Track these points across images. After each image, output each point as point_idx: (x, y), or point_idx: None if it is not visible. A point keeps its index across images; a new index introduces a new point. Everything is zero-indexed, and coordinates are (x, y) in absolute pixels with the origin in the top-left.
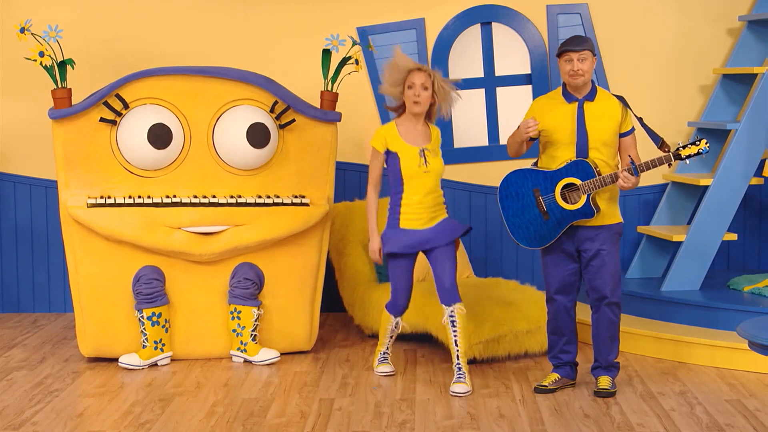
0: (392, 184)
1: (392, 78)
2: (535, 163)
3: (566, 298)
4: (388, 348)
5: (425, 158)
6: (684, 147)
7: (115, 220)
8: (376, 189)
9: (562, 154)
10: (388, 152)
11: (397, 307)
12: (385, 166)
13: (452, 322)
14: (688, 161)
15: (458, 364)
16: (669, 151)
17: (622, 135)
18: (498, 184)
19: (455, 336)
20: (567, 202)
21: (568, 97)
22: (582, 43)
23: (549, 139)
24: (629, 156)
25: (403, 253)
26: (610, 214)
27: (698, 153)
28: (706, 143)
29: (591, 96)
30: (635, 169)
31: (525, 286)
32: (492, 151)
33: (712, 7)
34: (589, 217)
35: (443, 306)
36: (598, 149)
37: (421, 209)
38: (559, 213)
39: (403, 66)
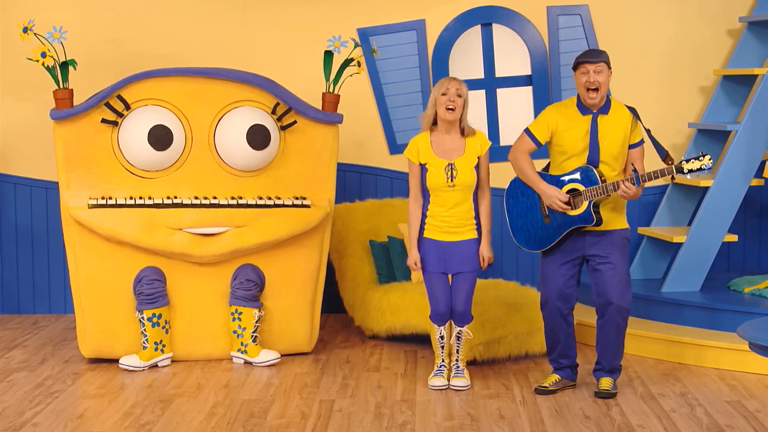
0: (422, 192)
1: (429, 103)
2: (546, 168)
3: (563, 304)
4: (443, 360)
5: (451, 173)
6: (687, 161)
7: (116, 221)
8: (417, 200)
9: (572, 165)
10: (420, 163)
11: (440, 315)
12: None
13: (458, 338)
14: (689, 176)
15: (456, 363)
16: (672, 164)
17: (630, 146)
18: (497, 185)
19: (458, 347)
20: (570, 207)
21: (583, 109)
22: (598, 55)
23: (561, 149)
24: (632, 165)
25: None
26: (616, 220)
27: (701, 169)
28: (709, 159)
29: (605, 109)
30: (637, 179)
31: (525, 287)
32: (492, 153)
33: (712, 8)
34: (589, 224)
35: (453, 324)
36: (608, 162)
37: (445, 222)
38: (560, 217)
39: (434, 90)
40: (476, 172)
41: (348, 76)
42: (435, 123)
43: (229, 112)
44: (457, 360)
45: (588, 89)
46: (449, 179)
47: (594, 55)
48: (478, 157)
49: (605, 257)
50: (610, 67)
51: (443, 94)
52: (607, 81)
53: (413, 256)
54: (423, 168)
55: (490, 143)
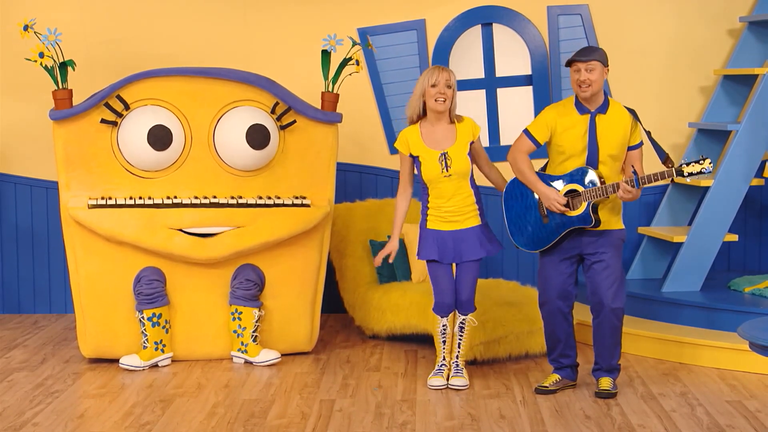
0: (420, 185)
1: (415, 93)
2: (544, 168)
3: (563, 302)
4: (444, 358)
5: (446, 163)
6: (688, 164)
7: (116, 221)
8: (405, 190)
9: (571, 165)
10: (412, 155)
11: (444, 307)
12: (416, 171)
13: (461, 328)
14: (689, 179)
15: (456, 362)
16: (672, 167)
17: (630, 148)
18: None
19: (460, 340)
20: (569, 208)
21: (581, 108)
22: (590, 53)
23: (559, 149)
24: (632, 167)
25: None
26: (612, 220)
27: (701, 172)
28: (710, 163)
29: (603, 108)
30: (637, 182)
31: (526, 287)
32: (492, 153)
33: (712, 8)
34: (587, 225)
35: (458, 313)
36: (606, 162)
37: (447, 212)
38: (558, 218)
39: (422, 80)
40: (470, 158)
41: (347, 75)
42: (423, 113)
43: (229, 111)
44: (457, 357)
45: (580, 85)
46: (444, 169)
47: (585, 54)
48: (471, 143)
49: (600, 257)
50: (606, 65)
51: (433, 86)
52: (602, 78)
53: (388, 248)
54: (416, 160)
55: (480, 128)
